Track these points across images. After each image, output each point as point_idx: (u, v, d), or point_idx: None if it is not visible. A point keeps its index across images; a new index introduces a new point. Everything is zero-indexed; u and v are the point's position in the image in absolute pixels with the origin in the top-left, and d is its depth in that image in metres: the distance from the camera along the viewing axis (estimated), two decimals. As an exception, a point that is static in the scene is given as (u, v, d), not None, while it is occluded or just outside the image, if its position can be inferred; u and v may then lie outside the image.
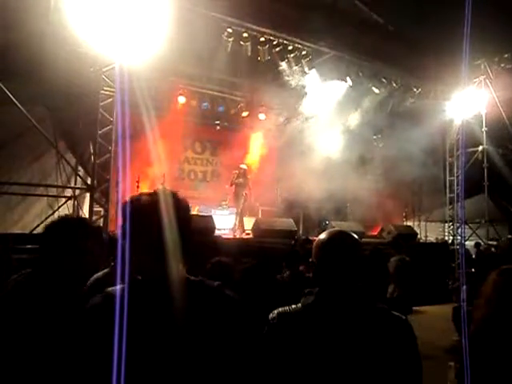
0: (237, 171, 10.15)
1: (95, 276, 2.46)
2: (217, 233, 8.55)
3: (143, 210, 1.21)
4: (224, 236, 9.03)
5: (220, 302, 1.29)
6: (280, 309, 1.50)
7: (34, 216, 7.91)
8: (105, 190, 7.66)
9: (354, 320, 1.41)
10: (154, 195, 1.25)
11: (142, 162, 9.60)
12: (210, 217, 8.43)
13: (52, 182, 8.52)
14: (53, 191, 8.23)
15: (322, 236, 1.55)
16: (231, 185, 10.05)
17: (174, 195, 1.29)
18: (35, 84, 7.53)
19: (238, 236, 9.35)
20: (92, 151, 8.05)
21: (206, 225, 8.02)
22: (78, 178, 8.45)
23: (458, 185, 12.18)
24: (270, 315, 1.51)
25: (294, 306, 1.49)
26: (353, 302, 1.44)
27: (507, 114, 11.17)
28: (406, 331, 1.46)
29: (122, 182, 7.68)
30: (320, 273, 1.50)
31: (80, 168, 8.71)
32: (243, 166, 10.40)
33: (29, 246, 6.44)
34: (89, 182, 7.76)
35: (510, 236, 9.19)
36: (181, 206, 1.28)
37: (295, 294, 1.58)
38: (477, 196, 11.72)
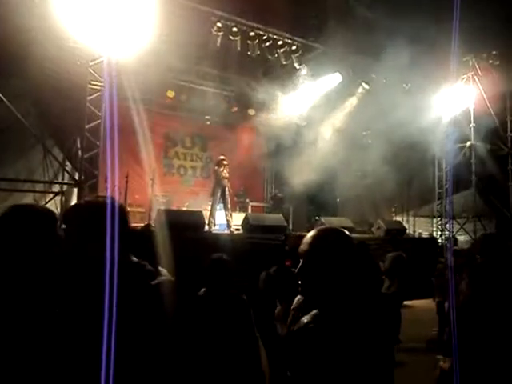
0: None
1: None
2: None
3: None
4: (214, 232, 8.99)
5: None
6: (312, 312, 1.45)
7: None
8: (93, 186, 7.59)
9: (363, 320, 1.41)
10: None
11: (131, 157, 9.51)
12: (200, 212, 8.39)
13: (39, 177, 8.40)
14: (40, 187, 8.12)
15: (313, 234, 1.50)
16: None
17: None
18: (20, 78, 7.39)
19: (226, 232, 9.31)
20: (79, 146, 7.96)
21: (196, 220, 7.99)
22: (66, 173, 8.35)
23: (446, 180, 12.30)
24: (301, 323, 1.44)
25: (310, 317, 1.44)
26: (357, 301, 1.44)
27: (495, 110, 11.28)
28: (391, 326, 1.48)
29: (110, 177, 7.60)
30: (314, 271, 1.45)
31: (68, 163, 8.61)
32: (219, 157, 9.73)
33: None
34: (76, 177, 7.67)
35: (484, 232, 9.27)
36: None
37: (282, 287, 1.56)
38: (465, 191, 11.84)
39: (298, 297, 3.12)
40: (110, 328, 1.22)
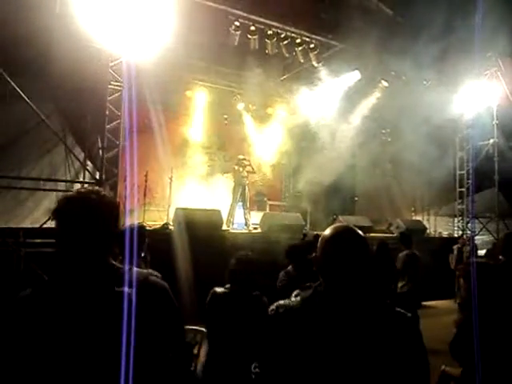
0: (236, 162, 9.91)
1: None
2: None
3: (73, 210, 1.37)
4: (232, 230, 9.03)
5: (145, 287, 1.37)
6: (280, 301, 1.51)
7: (43, 211, 7.97)
8: (113, 185, 7.69)
9: (352, 315, 1.39)
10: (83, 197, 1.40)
11: (150, 156, 9.61)
12: (218, 211, 8.43)
13: (61, 176, 8.57)
14: (62, 186, 8.28)
15: (327, 231, 1.53)
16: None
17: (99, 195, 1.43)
18: (43, 79, 7.55)
19: (244, 231, 9.34)
20: (100, 146, 8.08)
21: (213, 219, 8.03)
22: (87, 172, 8.48)
23: (468, 179, 12.05)
24: (270, 308, 1.52)
25: (293, 299, 1.49)
26: (352, 297, 1.43)
27: (519, 107, 10.99)
28: (410, 327, 1.44)
29: (130, 176, 7.70)
30: (323, 267, 1.50)
31: (88, 162, 8.74)
32: (238, 157, 10.01)
33: (38, 241, 6.51)
34: (97, 176, 7.78)
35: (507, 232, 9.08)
36: (104, 205, 1.42)
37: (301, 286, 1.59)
38: (487, 190, 11.59)
39: (282, 273, 3.20)
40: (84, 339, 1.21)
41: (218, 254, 6.41)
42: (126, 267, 1.38)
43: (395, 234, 10.26)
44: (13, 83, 6.56)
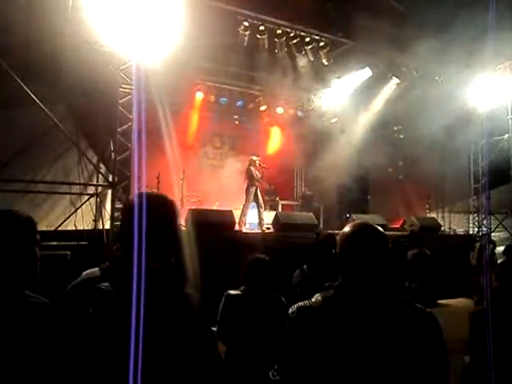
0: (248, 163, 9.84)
1: None
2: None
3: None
4: (244, 231, 9.04)
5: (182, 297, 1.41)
6: (300, 303, 1.49)
7: (59, 213, 8.07)
8: (126, 187, 7.75)
9: (375, 313, 1.38)
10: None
11: (161, 158, 9.67)
12: (230, 211, 8.44)
13: (74, 179, 8.66)
14: (76, 189, 8.37)
15: (347, 228, 1.52)
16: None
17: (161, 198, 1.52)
18: (55, 83, 7.64)
19: (256, 231, 9.34)
20: (112, 148, 8.15)
21: (226, 219, 8.04)
22: (100, 175, 8.57)
23: (483, 175, 11.86)
24: (290, 309, 1.50)
25: (313, 300, 1.47)
26: (374, 295, 1.41)
27: (534, 101, 10.78)
28: (431, 323, 1.43)
29: (141, 178, 7.73)
30: (343, 265, 1.48)
31: (101, 165, 8.83)
32: (252, 157, 9.86)
33: (54, 243, 6.61)
34: (110, 179, 7.85)
35: None
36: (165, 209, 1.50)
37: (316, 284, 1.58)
38: (503, 186, 11.38)
39: (297, 271, 3.21)
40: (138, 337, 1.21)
41: (230, 255, 6.42)
42: None
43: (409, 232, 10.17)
44: (25, 87, 6.66)
